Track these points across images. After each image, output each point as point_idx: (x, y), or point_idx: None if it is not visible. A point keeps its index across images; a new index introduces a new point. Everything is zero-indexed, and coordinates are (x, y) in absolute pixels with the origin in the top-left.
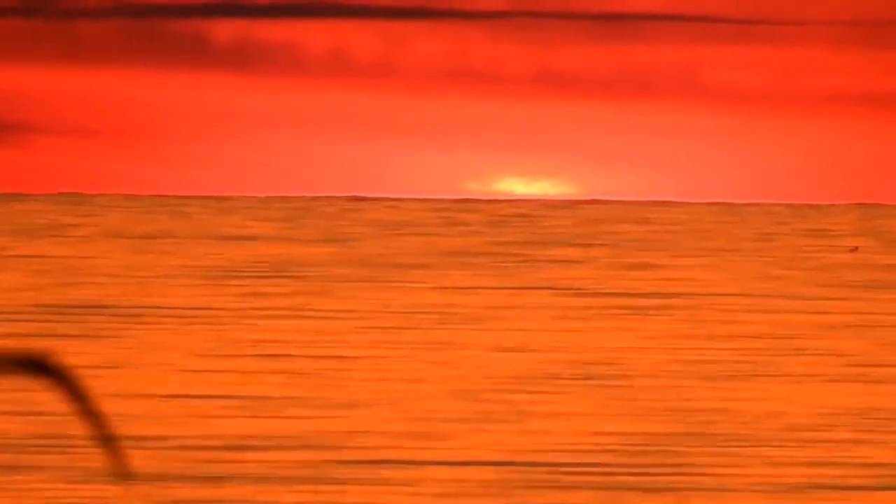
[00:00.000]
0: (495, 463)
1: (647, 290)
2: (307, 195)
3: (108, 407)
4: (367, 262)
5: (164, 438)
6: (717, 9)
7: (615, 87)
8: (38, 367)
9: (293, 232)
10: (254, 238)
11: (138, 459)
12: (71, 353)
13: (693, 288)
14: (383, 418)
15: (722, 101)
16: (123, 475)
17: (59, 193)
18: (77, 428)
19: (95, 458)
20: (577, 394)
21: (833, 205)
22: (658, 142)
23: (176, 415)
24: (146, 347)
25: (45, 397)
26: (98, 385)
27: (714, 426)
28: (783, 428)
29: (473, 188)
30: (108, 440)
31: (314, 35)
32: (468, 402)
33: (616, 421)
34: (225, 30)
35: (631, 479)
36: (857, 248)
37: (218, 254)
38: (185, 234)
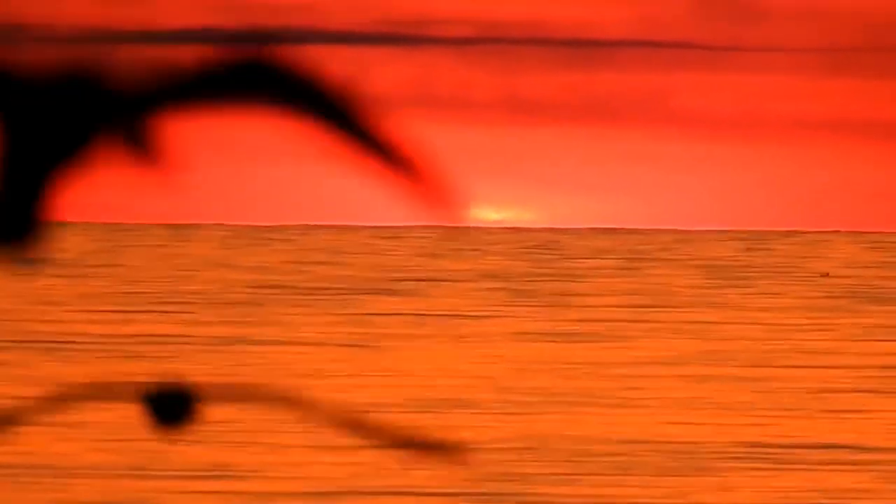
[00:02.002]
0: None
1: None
2: (272, 224)
3: None
4: (316, 290)
5: None
6: (686, 35)
7: (584, 114)
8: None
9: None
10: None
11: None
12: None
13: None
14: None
15: (691, 128)
16: None
17: None
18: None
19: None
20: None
21: (804, 231)
22: (628, 168)
23: None
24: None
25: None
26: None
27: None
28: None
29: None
30: None
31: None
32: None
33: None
34: (186, 56)
35: None
36: (828, 273)
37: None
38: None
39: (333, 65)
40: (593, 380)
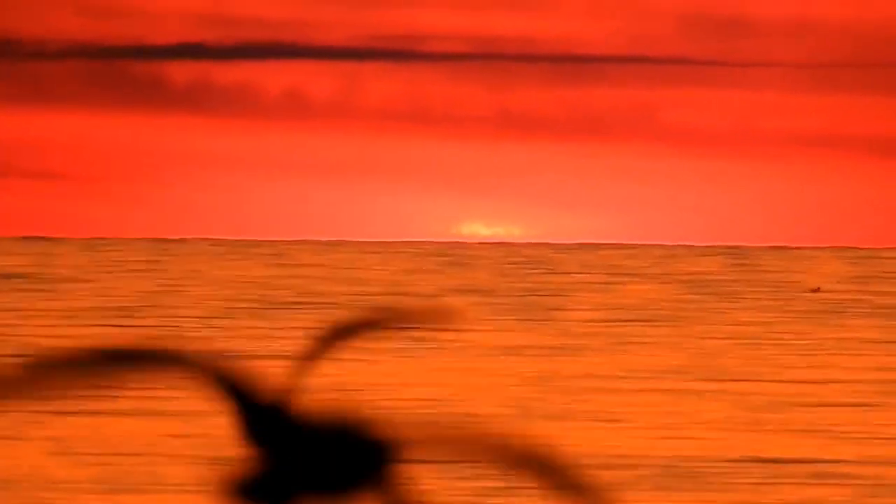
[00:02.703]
0: None
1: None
2: (262, 238)
3: None
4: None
5: None
6: (676, 51)
7: (575, 129)
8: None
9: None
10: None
11: None
12: None
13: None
14: None
15: (683, 143)
16: None
17: (15, 237)
18: None
19: None
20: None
21: (795, 247)
22: (618, 184)
23: None
24: None
25: None
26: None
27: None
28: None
29: (432, 230)
30: None
31: (271, 76)
32: None
33: None
34: (181, 71)
35: None
36: (818, 288)
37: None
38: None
39: (326, 80)
40: (573, 393)
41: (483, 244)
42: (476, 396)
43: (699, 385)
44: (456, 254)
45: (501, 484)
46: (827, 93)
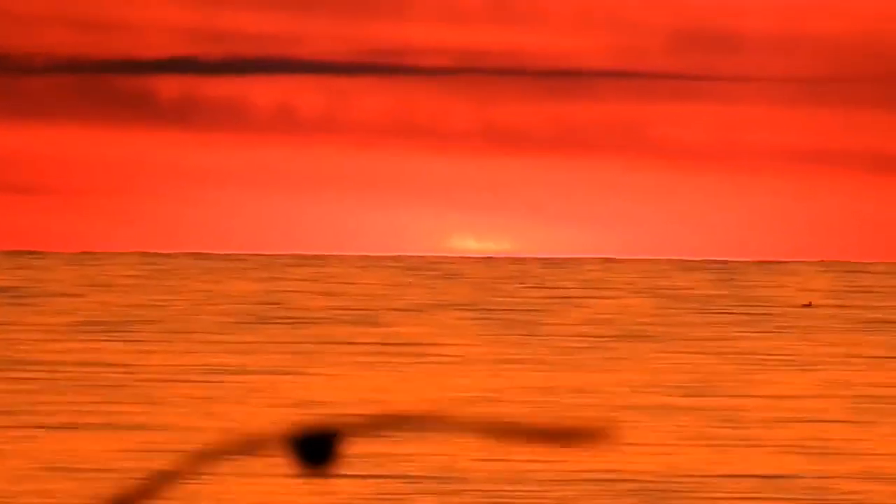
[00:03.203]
0: None
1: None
2: (250, 253)
3: None
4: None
5: None
6: (662, 66)
7: (562, 144)
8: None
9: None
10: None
11: None
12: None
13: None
14: None
15: (670, 158)
16: None
17: (1, 251)
18: None
19: None
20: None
21: (781, 262)
22: (605, 198)
23: None
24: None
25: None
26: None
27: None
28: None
29: (422, 245)
30: None
31: (259, 91)
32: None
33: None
34: (169, 85)
35: None
36: (810, 303)
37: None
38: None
39: (314, 95)
40: (558, 409)
41: (471, 258)
42: (459, 410)
43: (686, 401)
44: (444, 268)
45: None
46: (815, 107)
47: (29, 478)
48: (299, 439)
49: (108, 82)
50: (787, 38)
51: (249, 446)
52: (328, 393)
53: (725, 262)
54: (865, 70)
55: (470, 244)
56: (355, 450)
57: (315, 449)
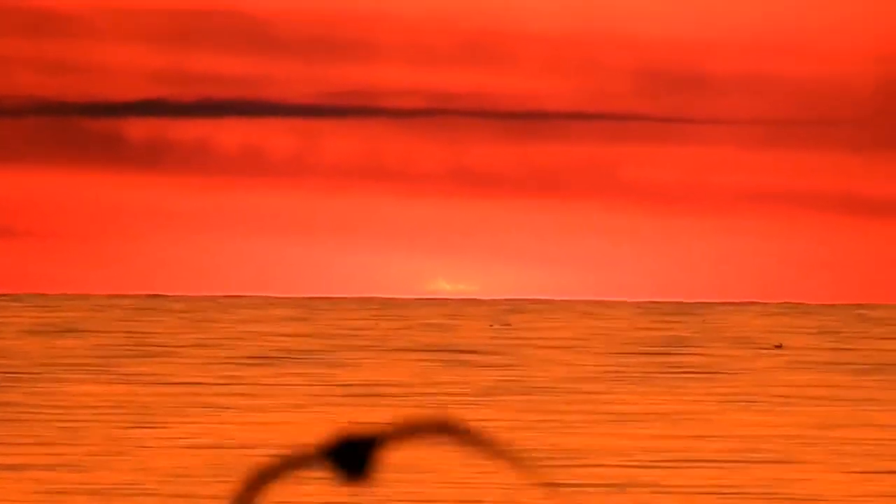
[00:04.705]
0: None
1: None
2: (217, 294)
3: None
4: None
5: None
6: (633, 107)
7: (532, 185)
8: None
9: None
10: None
11: None
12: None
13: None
14: None
15: (640, 200)
16: None
17: None
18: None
19: None
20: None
21: (753, 302)
22: (576, 240)
23: None
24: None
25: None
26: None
27: None
28: None
29: (392, 287)
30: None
31: (229, 133)
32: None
33: None
34: (139, 128)
35: None
36: (781, 345)
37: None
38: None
39: (282, 137)
40: (532, 459)
41: (440, 300)
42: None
43: (647, 457)
44: (413, 310)
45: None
46: (784, 149)
47: None
48: (336, 448)
49: (77, 125)
50: (757, 81)
51: (294, 460)
52: (283, 431)
53: (696, 303)
54: (835, 112)
55: (441, 286)
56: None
57: (352, 457)
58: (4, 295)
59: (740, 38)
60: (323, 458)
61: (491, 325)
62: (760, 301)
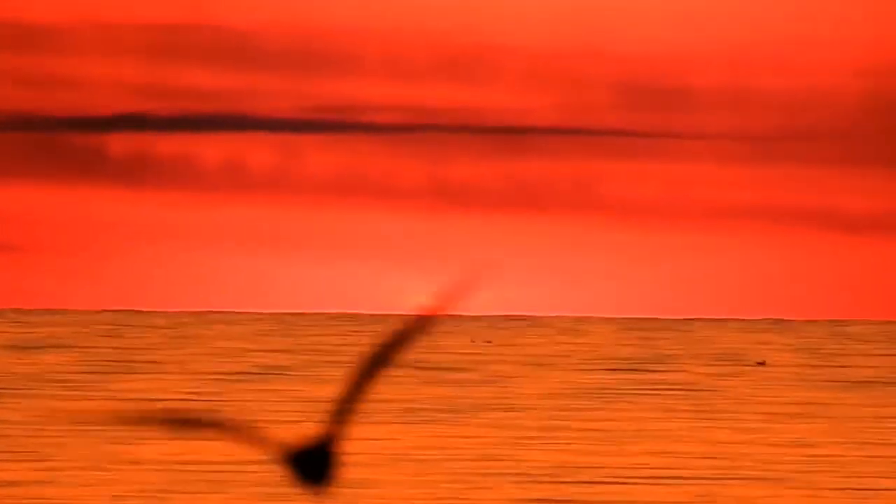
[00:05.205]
0: None
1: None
2: (203, 310)
3: None
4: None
5: None
6: (614, 123)
7: (513, 201)
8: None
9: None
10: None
11: None
12: None
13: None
14: None
15: (621, 216)
16: None
17: None
18: None
19: None
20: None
21: (732, 319)
22: (556, 256)
23: None
24: None
25: None
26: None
27: None
28: None
29: (371, 302)
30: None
31: (210, 148)
32: None
33: None
34: (120, 142)
35: None
36: (764, 362)
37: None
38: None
39: (264, 152)
40: (511, 477)
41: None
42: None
43: (635, 459)
44: (388, 325)
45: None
46: (764, 165)
47: None
48: (298, 455)
49: (59, 139)
50: (737, 96)
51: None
52: (265, 447)
53: (678, 319)
54: (815, 128)
55: (423, 301)
56: None
57: (313, 464)
58: None
59: (721, 53)
60: (286, 464)
61: (472, 342)
62: (741, 317)
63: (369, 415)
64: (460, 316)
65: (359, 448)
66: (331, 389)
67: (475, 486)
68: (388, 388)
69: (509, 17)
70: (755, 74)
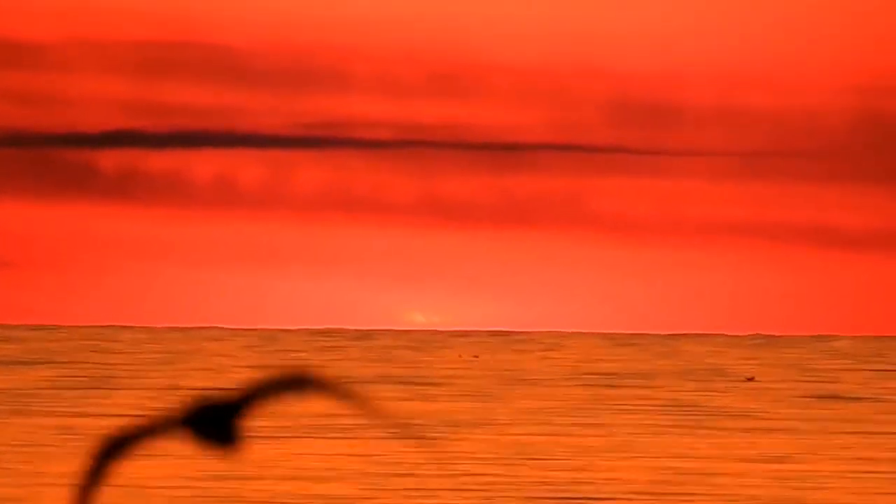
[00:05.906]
0: None
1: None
2: (189, 326)
3: None
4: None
5: None
6: (604, 139)
7: (503, 217)
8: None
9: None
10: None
11: None
12: None
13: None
14: None
15: (611, 232)
16: None
17: None
18: None
19: None
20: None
21: (723, 335)
22: (547, 271)
23: None
24: None
25: None
26: None
27: None
28: None
29: (363, 318)
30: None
31: (201, 164)
32: None
33: None
34: (111, 159)
35: None
36: (753, 377)
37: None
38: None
39: (254, 168)
40: (495, 490)
41: (410, 331)
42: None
43: (626, 474)
44: (384, 341)
45: None
46: (754, 181)
47: None
48: (197, 415)
49: (49, 156)
50: (728, 112)
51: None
52: (250, 463)
53: (668, 335)
54: (806, 144)
55: (415, 317)
56: None
57: (215, 424)
58: None
59: (711, 69)
60: (184, 425)
61: (459, 356)
62: (730, 333)
63: (351, 430)
64: (447, 331)
65: (344, 464)
66: (316, 405)
67: (463, 499)
68: (373, 404)
69: (500, 33)
70: (746, 91)
